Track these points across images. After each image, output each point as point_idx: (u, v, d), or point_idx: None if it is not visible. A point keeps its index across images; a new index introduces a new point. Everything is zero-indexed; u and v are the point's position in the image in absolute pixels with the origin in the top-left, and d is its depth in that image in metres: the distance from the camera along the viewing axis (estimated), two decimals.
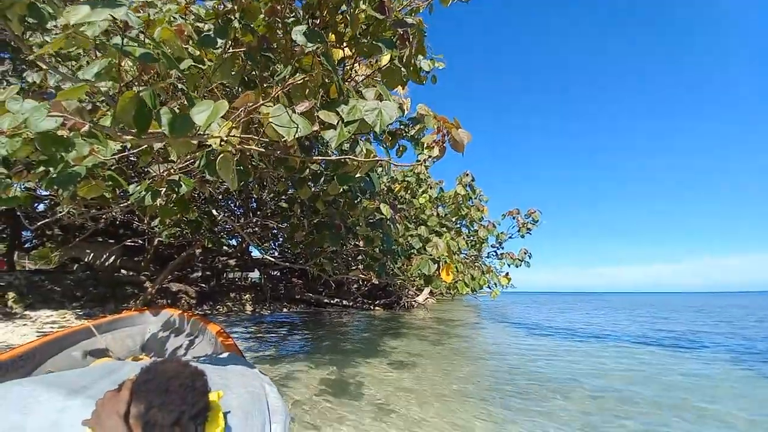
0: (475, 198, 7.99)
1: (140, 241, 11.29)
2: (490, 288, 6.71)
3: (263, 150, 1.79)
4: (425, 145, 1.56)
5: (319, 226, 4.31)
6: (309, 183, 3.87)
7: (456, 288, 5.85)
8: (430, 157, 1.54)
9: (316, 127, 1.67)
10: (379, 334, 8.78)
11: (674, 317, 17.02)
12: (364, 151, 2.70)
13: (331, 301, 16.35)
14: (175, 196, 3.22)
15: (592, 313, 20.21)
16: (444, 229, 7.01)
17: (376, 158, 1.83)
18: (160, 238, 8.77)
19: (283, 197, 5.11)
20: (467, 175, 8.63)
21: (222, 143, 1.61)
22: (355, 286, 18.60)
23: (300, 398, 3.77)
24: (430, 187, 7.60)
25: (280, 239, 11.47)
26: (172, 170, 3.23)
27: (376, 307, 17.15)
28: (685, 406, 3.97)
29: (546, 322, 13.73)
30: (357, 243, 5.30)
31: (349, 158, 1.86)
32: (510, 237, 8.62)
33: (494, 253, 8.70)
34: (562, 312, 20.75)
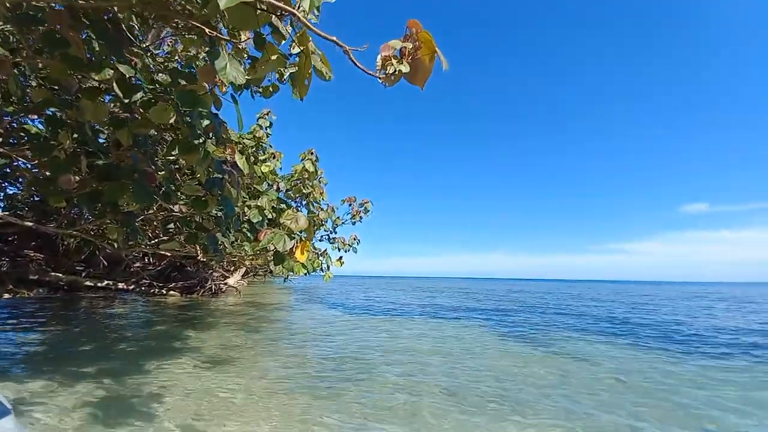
0: (316, 179, 7.66)
1: None
2: (323, 270, 6.52)
3: None
4: (381, 57, 1.03)
5: (109, 170, 2.80)
6: (105, 98, 2.43)
7: (292, 269, 5.33)
8: (396, 72, 1.03)
9: None
10: (178, 326, 7.01)
11: (441, 295, 22.44)
12: (228, 67, 1.84)
13: (98, 284, 12.14)
14: None
15: (392, 292, 23.85)
16: (283, 205, 6.30)
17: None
18: None
19: (36, 115, 3.06)
20: (312, 152, 8.15)
21: None
22: (138, 264, 14.42)
23: None
24: (273, 157, 6.69)
25: (8, 185, 7.40)
26: None
27: (171, 292, 13.95)
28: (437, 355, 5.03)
29: (358, 302, 15.02)
30: (168, 204, 3.89)
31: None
32: (343, 223, 8.76)
33: (327, 237, 8.63)
34: (369, 291, 23.46)
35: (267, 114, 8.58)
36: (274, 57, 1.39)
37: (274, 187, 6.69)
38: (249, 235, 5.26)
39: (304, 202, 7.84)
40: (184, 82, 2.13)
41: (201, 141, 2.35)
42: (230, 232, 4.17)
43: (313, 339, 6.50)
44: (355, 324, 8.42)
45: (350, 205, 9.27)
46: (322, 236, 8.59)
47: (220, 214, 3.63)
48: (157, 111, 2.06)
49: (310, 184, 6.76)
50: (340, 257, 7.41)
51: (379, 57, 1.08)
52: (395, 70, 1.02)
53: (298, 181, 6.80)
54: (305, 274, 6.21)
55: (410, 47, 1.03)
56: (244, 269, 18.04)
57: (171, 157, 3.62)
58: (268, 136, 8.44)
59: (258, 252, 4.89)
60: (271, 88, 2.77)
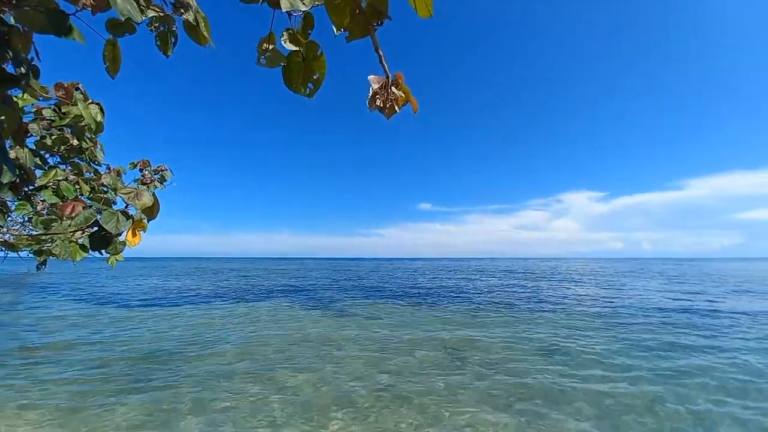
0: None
1: None
2: (101, 253, 4.95)
3: None
4: (373, 89, 1.21)
5: None
6: None
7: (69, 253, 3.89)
8: (390, 107, 1.24)
9: None
10: None
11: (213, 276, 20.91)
12: None
13: None
14: None
15: (166, 277, 19.95)
16: (38, 160, 4.51)
17: None
18: None
19: None
20: (78, 87, 5.87)
21: None
22: None
23: None
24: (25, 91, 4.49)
25: None
26: None
27: None
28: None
29: (104, 290, 11.87)
30: None
31: None
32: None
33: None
34: (134, 278, 18.64)
35: None
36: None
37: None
38: None
39: (60, 158, 5.67)
40: None
41: (23, 72, 1.52)
42: None
43: (72, 344, 4.92)
44: (115, 319, 6.88)
45: (141, 170, 7.48)
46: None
47: None
48: None
49: (90, 137, 5.05)
50: (137, 234, 5.94)
51: (371, 89, 1.31)
52: (389, 105, 1.30)
53: (68, 129, 4.98)
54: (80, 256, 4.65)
55: (399, 95, 1.34)
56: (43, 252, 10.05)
57: None
58: None
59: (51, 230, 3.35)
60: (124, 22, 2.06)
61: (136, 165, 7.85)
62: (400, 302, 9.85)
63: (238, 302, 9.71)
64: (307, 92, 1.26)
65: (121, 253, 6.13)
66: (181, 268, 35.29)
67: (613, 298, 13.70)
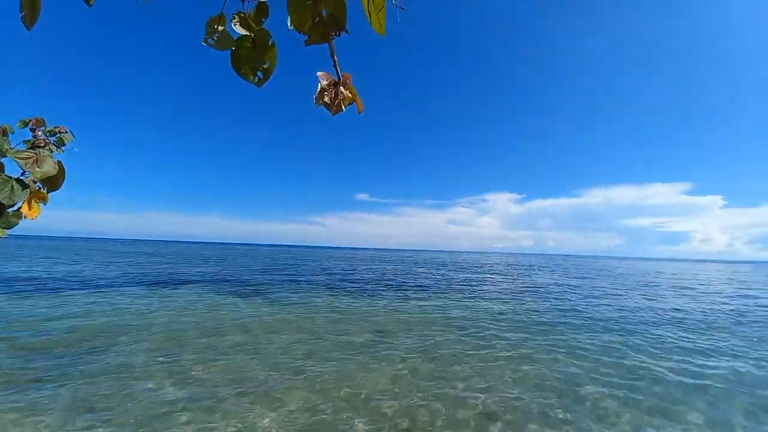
0: None
1: None
2: None
3: None
4: (321, 86, 1.26)
5: None
6: None
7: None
8: (337, 105, 1.29)
9: None
10: None
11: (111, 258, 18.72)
12: None
13: None
14: None
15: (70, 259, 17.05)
16: None
17: None
18: None
19: None
20: None
21: None
22: None
23: None
24: None
25: None
26: None
27: None
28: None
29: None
30: None
31: None
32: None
33: None
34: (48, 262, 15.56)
35: None
36: None
37: None
38: None
39: None
40: None
41: None
42: None
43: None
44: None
45: (33, 130, 6.33)
46: None
47: None
48: None
49: None
50: (35, 206, 5.05)
51: (319, 85, 1.35)
52: (336, 103, 1.35)
53: None
54: None
55: (346, 94, 1.40)
56: None
57: None
58: None
59: None
60: None
61: (27, 123, 6.67)
62: (336, 293, 9.94)
63: (141, 290, 8.83)
64: (256, 80, 1.26)
65: (5, 229, 5.23)
66: (76, 249, 30.59)
67: (528, 285, 15.74)
